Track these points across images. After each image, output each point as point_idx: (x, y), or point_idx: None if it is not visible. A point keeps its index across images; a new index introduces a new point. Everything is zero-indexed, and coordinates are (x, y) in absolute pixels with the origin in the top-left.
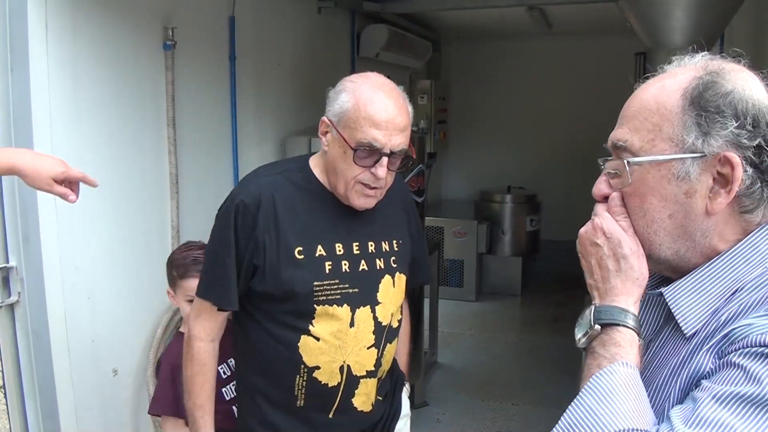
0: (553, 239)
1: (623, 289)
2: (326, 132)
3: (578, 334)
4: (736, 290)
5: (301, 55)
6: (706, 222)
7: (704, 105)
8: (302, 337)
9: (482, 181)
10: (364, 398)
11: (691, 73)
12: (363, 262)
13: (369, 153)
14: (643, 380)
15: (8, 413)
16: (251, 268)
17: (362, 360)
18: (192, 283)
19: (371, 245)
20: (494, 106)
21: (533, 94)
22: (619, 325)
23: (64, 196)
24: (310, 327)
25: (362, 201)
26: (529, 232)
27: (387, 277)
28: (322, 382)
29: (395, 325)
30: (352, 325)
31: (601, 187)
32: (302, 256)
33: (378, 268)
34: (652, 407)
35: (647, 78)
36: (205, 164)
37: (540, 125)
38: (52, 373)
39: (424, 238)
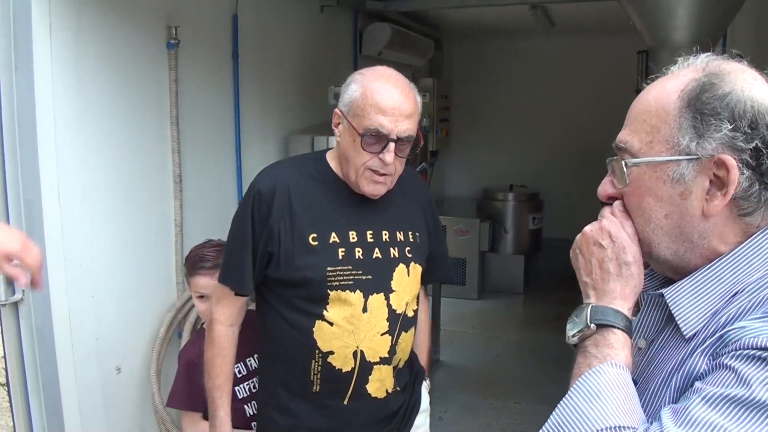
0: (556, 237)
1: (622, 293)
2: (338, 123)
3: (571, 331)
4: (736, 292)
5: (304, 53)
6: (703, 224)
7: (700, 107)
8: (317, 322)
9: (484, 180)
10: (378, 384)
11: (691, 75)
12: (377, 250)
13: (376, 139)
14: (642, 380)
15: (12, 411)
16: (266, 255)
17: (376, 346)
18: (198, 281)
19: (385, 234)
20: (496, 104)
21: (536, 92)
22: (614, 327)
23: (13, 278)
24: (324, 312)
25: (372, 188)
26: (532, 231)
27: (401, 266)
28: (336, 367)
29: (410, 314)
30: (365, 310)
31: (605, 187)
32: (316, 243)
33: (392, 256)
34: (649, 407)
35: (653, 79)
36: (208, 163)
37: (542, 123)
38: (56, 371)
39: (442, 235)
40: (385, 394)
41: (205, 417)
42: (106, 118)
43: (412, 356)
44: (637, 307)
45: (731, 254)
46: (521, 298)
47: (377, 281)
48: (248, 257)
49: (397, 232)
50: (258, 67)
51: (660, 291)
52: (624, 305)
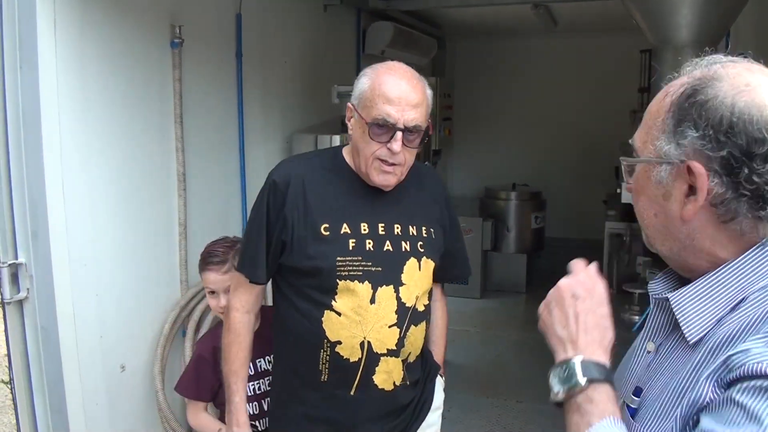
0: (558, 236)
1: (602, 344)
2: (350, 117)
3: (558, 387)
4: (742, 299)
5: (307, 52)
6: (685, 226)
7: (681, 112)
8: (325, 312)
9: (487, 179)
10: (384, 376)
11: (686, 78)
12: (388, 242)
13: (384, 129)
14: (647, 387)
15: (17, 408)
16: (280, 244)
17: (383, 338)
18: (207, 276)
19: (397, 227)
20: (499, 103)
21: (538, 91)
22: (604, 381)
23: None
24: (333, 302)
25: (381, 178)
26: (534, 230)
27: (413, 259)
28: (344, 357)
29: (421, 308)
30: (372, 302)
31: (628, 186)
32: (328, 233)
33: (403, 250)
34: (654, 424)
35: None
36: (212, 161)
37: (545, 122)
38: (61, 369)
39: (460, 233)
40: (392, 387)
41: (220, 404)
42: (110, 116)
43: (426, 352)
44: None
45: (737, 261)
46: (523, 297)
47: (387, 273)
48: (263, 246)
49: (410, 226)
50: (261, 66)
51: (666, 295)
52: (605, 357)
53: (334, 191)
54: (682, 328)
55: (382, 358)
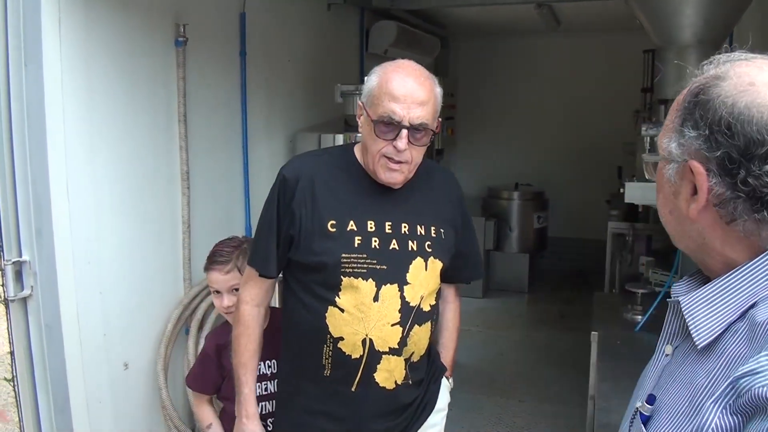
0: (561, 236)
1: None
2: (360, 115)
3: None
4: (752, 305)
5: (311, 51)
6: (694, 225)
7: (686, 111)
8: (329, 307)
9: (489, 178)
10: (386, 374)
11: (701, 77)
12: (394, 241)
13: (390, 126)
14: (660, 394)
15: (20, 406)
16: (288, 238)
17: (385, 336)
18: (211, 275)
19: (405, 227)
20: (502, 102)
21: (541, 91)
22: None
23: None
24: (337, 298)
25: (388, 175)
26: (537, 229)
27: (419, 259)
28: (346, 353)
29: (426, 308)
30: (376, 299)
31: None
32: (334, 229)
33: (410, 249)
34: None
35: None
36: (215, 160)
37: (548, 122)
38: (64, 367)
39: (473, 235)
40: (394, 386)
41: (222, 398)
42: (115, 114)
43: (432, 353)
44: None
45: (747, 266)
46: (526, 296)
47: (392, 272)
48: (273, 241)
49: (418, 226)
50: (265, 64)
51: (678, 298)
52: None
53: (343, 188)
54: (691, 332)
55: (383, 356)
